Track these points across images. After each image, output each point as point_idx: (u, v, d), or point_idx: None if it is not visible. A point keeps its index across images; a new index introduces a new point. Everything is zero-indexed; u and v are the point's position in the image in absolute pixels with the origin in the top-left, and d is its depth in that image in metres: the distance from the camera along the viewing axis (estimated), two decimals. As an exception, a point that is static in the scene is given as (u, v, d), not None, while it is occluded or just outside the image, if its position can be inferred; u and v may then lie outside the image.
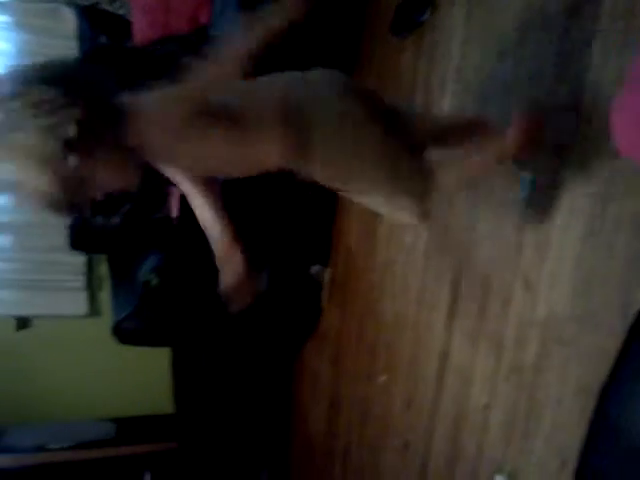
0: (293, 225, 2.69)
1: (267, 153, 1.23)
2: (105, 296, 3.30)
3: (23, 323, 3.26)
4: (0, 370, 3.30)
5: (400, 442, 2.22)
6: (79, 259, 3.19)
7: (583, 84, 1.44)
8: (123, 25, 2.71)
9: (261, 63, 1.12)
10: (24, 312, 3.22)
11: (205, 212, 1.36)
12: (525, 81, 1.65)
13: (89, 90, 1.08)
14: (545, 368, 1.53)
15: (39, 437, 3.32)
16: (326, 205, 2.77)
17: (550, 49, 1.55)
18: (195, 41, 2.68)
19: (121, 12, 2.84)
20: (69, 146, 1.01)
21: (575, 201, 1.45)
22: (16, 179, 1.03)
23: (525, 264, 1.60)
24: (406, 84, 2.24)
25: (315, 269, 2.81)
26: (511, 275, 1.65)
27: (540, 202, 1.56)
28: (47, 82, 1.02)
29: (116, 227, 2.90)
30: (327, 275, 2.82)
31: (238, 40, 1.12)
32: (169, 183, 1.38)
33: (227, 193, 1.39)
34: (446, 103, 2.01)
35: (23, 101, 1.00)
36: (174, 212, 2.83)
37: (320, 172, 1.28)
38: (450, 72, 1.98)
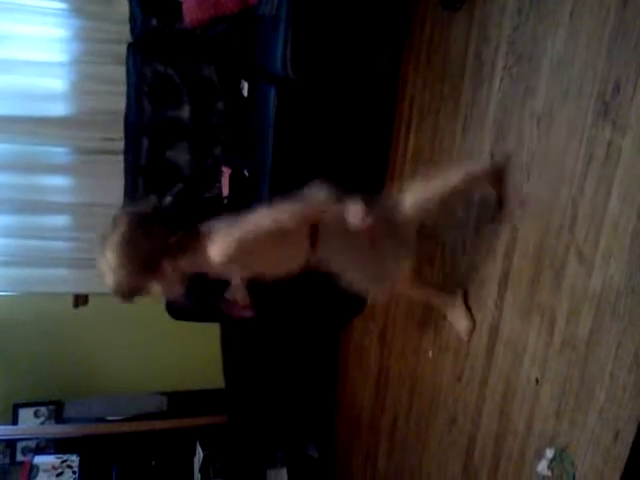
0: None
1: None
2: (157, 274, 3.40)
3: (81, 300, 3.39)
4: (60, 346, 3.45)
5: (448, 417, 2.24)
6: (133, 238, 3.28)
7: None
8: (173, 7, 2.75)
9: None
10: (81, 290, 3.35)
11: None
12: (580, 54, 1.62)
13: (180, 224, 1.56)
14: (599, 342, 1.52)
15: (97, 409, 3.48)
16: (375, 182, 2.78)
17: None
18: (244, 22, 2.72)
19: (171, -6, 2.89)
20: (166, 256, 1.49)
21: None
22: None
23: (580, 236, 1.59)
24: (457, 57, 2.23)
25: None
26: (565, 247, 1.64)
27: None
28: (156, 218, 1.54)
29: (168, 206, 2.98)
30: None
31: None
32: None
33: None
34: (497, 76, 1.99)
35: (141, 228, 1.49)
36: (225, 191, 2.89)
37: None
38: (502, 44, 1.96)
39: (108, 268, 1.47)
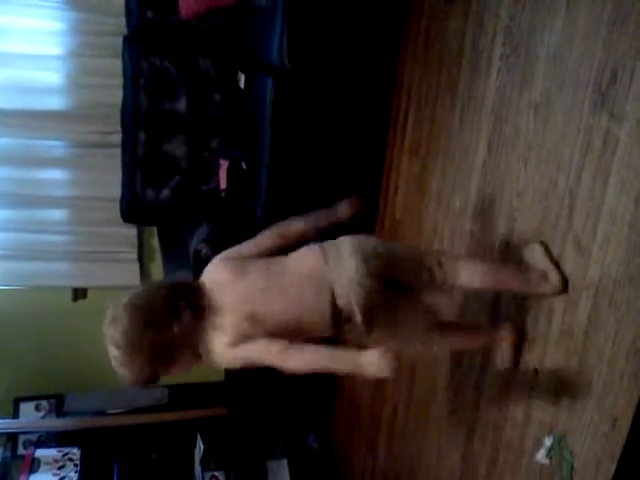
0: (338, 194, 2.71)
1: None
2: (156, 267, 3.40)
3: (80, 294, 3.40)
4: (59, 340, 3.46)
5: (447, 406, 2.25)
6: (131, 231, 3.29)
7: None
8: (169, -1, 2.74)
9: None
10: (80, 283, 3.35)
11: None
12: (577, 43, 1.62)
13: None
14: (597, 331, 1.52)
15: (97, 403, 3.48)
16: (371, 173, 2.79)
17: (604, 7, 1.51)
18: (240, 13, 2.71)
19: (166, -14, 2.88)
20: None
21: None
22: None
23: (577, 225, 1.59)
24: (453, 47, 2.23)
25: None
26: (562, 236, 1.64)
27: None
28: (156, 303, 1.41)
29: (166, 199, 2.98)
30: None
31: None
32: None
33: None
34: (494, 66, 1.99)
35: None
36: (222, 184, 2.89)
37: None
38: (499, 34, 1.96)
39: (119, 364, 1.40)
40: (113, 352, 1.39)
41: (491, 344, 1.88)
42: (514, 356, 1.80)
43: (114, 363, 1.40)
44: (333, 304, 1.46)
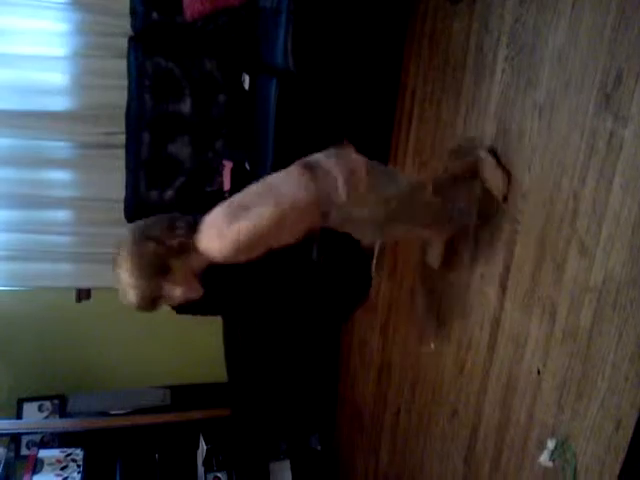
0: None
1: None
2: (160, 268, 3.40)
3: (83, 294, 3.40)
4: (63, 341, 3.46)
5: (450, 408, 2.24)
6: (135, 232, 3.28)
7: None
8: (174, 0, 2.74)
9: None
10: (83, 284, 3.35)
11: None
12: (582, 45, 1.62)
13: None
14: (600, 333, 1.52)
15: (100, 403, 3.49)
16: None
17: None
18: (245, 15, 2.71)
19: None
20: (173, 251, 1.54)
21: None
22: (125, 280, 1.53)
23: (581, 227, 1.59)
24: (458, 48, 2.23)
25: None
26: (566, 239, 1.64)
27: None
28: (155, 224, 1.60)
29: (170, 200, 2.99)
30: (377, 245, 2.84)
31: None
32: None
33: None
34: (499, 67, 1.98)
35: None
36: (226, 185, 2.90)
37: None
38: (504, 36, 1.96)
39: (125, 286, 1.54)
40: (121, 275, 1.53)
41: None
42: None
43: (122, 288, 1.55)
44: None
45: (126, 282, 1.53)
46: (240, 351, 3.32)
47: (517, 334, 1.85)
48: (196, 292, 1.63)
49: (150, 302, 1.57)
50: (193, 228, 1.59)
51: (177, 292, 1.58)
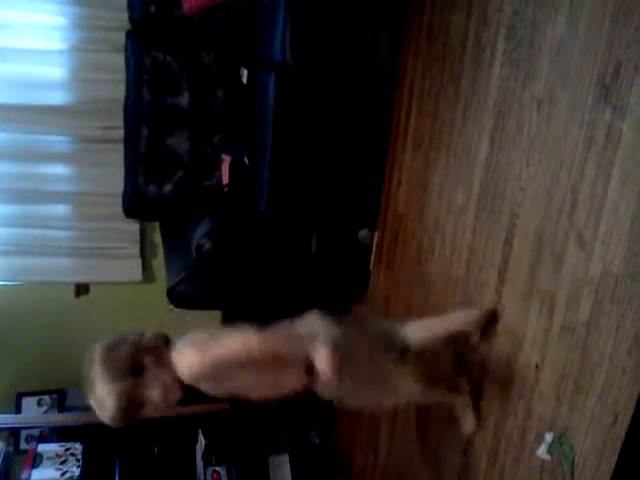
0: (341, 189, 2.72)
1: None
2: (158, 263, 3.40)
3: (82, 289, 3.40)
4: (62, 335, 3.46)
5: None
6: (133, 227, 3.28)
7: None
8: (172, -7, 2.74)
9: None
10: (82, 279, 3.35)
11: None
12: (580, 37, 1.61)
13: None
14: (598, 326, 1.52)
15: (99, 398, 3.48)
16: (374, 168, 2.78)
17: (607, 0, 1.50)
18: (243, 8, 2.70)
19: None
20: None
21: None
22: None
23: (580, 220, 1.59)
24: (456, 42, 2.22)
25: (363, 233, 2.83)
26: (565, 232, 1.64)
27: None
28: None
29: (169, 195, 2.98)
30: (375, 238, 2.84)
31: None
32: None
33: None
34: (497, 61, 1.98)
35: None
36: (224, 180, 2.89)
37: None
38: (502, 29, 1.95)
39: (100, 396, 1.48)
40: (96, 387, 1.50)
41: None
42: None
43: (98, 402, 1.50)
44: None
45: (100, 392, 1.48)
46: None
47: (515, 327, 1.85)
48: (174, 394, 1.52)
49: (128, 407, 1.48)
50: (165, 340, 1.55)
51: (154, 393, 1.50)
